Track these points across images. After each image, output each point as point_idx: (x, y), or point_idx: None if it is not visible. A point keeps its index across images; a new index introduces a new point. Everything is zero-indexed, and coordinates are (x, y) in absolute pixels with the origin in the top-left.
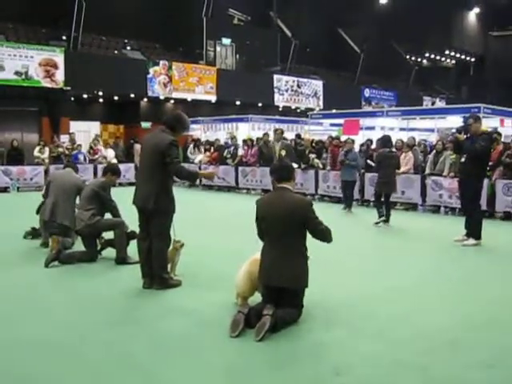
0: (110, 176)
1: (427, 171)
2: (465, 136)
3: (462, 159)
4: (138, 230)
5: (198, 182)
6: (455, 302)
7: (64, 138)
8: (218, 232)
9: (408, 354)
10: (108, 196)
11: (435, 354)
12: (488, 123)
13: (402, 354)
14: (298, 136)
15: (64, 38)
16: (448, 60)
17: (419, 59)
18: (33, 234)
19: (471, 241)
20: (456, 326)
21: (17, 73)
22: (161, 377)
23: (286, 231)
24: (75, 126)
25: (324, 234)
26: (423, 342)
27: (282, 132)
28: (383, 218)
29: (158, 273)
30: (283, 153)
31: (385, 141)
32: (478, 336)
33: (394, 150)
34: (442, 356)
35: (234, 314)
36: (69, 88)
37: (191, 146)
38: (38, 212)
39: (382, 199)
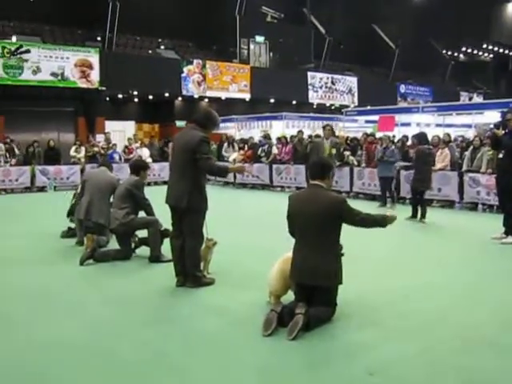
0: (142, 173)
1: (464, 168)
2: (503, 131)
3: (500, 155)
4: (171, 229)
5: (232, 179)
6: (492, 301)
7: (99, 138)
8: (251, 230)
9: (444, 354)
10: (142, 194)
11: (473, 355)
12: None
13: (438, 354)
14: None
15: (99, 38)
16: (486, 54)
17: (456, 54)
18: (69, 233)
19: (510, 238)
20: (494, 326)
21: (53, 74)
22: (195, 376)
23: (319, 229)
24: (110, 126)
25: (366, 222)
26: (460, 342)
27: (332, 129)
28: (418, 217)
29: (191, 271)
30: (334, 151)
31: (421, 137)
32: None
33: (430, 146)
34: (480, 357)
35: (266, 313)
36: (104, 88)
37: (225, 144)
38: (68, 215)
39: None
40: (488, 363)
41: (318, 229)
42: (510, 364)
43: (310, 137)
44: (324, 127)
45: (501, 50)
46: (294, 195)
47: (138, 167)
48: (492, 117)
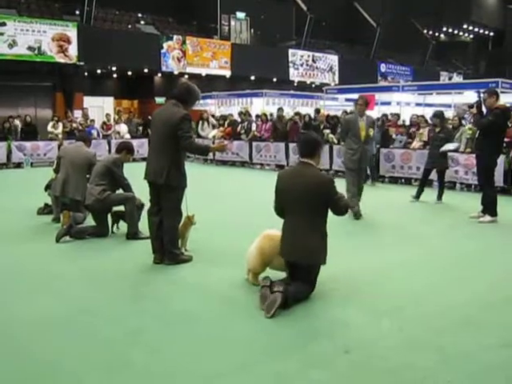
0: (125, 154)
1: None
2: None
3: (478, 134)
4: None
5: (211, 157)
6: (469, 280)
7: (77, 114)
8: (230, 207)
9: (422, 332)
10: (120, 173)
11: (450, 333)
12: (506, 98)
13: (416, 333)
14: (317, 111)
15: (77, 12)
16: (466, 34)
17: (437, 34)
18: (46, 210)
19: (487, 217)
20: (470, 303)
21: (30, 48)
22: (170, 353)
23: (306, 206)
24: (89, 102)
25: (342, 210)
26: (438, 321)
27: (366, 102)
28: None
29: (168, 248)
30: (371, 133)
31: (443, 117)
32: (493, 314)
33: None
34: (457, 335)
35: (260, 291)
36: (82, 63)
37: (200, 122)
38: (46, 189)
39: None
40: (466, 341)
41: (305, 207)
42: (487, 342)
43: (345, 113)
44: (357, 101)
45: (481, 31)
46: (283, 172)
47: (123, 146)
48: (471, 97)
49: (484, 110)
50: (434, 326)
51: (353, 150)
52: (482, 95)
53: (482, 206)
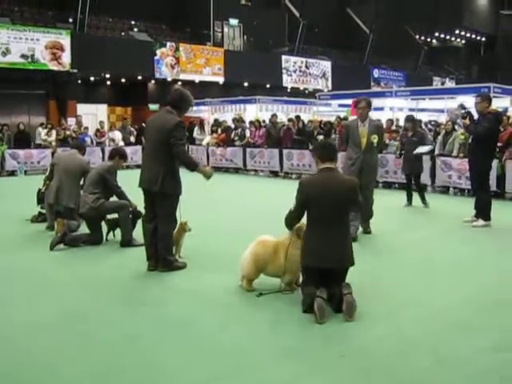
0: (117, 160)
1: (436, 152)
2: (467, 119)
3: (471, 140)
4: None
5: (205, 163)
6: (463, 283)
7: (71, 121)
8: (224, 214)
9: (417, 335)
10: (114, 181)
11: (445, 336)
12: (498, 103)
13: (411, 335)
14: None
15: (70, 20)
16: (458, 40)
17: (429, 39)
18: (40, 218)
19: (481, 222)
20: (465, 307)
21: (23, 56)
22: (164, 359)
23: (340, 212)
24: (82, 109)
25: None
26: (433, 323)
27: (369, 104)
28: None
29: (162, 255)
30: (375, 141)
31: (415, 121)
32: (487, 317)
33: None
34: (452, 337)
35: (315, 302)
36: (75, 70)
37: (197, 127)
38: (39, 202)
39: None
40: (461, 344)
41: (340, 211)
42: (482, 345)
43: (339, 118)
44: (356, 104)
45: (473, 36)
46: (308, 181)
47: (115, 152)
48: (464, 101)
49: (475, 115)
50: (429, 328)
51: (351, 159)
52: (465, 109)
53: (475, 211)
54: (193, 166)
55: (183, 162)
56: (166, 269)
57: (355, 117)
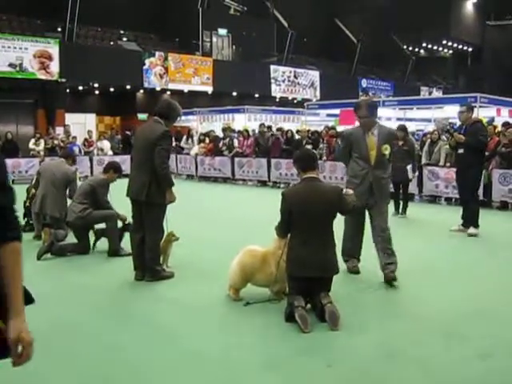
0: (112, 173)
1: (423, 161)
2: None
3: (460, 150)
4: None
5: (193, 173)
6: (450, 292)
7: (59, 130)
8: (212, 223)
9: (402, 344)
10: (105, 196)
11: (429, 345)
12: (485, 113)
13: (397, 345)
14: (267, 126)
15: (59, 29)
16: (445, 50)
17: (416, 49)
18: (27, 227)
19: (473, 229)
20: (451, 316)
21: (11, 65)
22: (150, 370)
23: (325, 222)
24: (71, 118)
25: (353, 209)
26: (417, 332)
27: (372, 106)
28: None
29: (149, 265)
30: (387, 152)
31: (406, 129)
32: (472, 326)
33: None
34: (436, 346)
35: (297, 312)
36: (64, 80)
37: (185, 136)
38: (25, 217)
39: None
40: (445, 353)
41: (323, 222)
42: (466, 353)
43: (327, 128)
44: (356, 110)
45: (460, 47)
46: (291, 192)
47: (110, 166)
48: (451, 111)
49: (457, 123)
50: (415, 337)
51: (357, 177)
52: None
53: (462, 220)
54: (167, 184)
55: (160, 175)
56: (154, 278)
57: (342, 126)
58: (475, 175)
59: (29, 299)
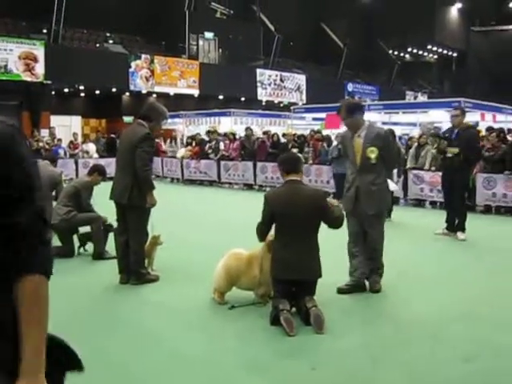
0: (96, 176)
1: (408, 165)
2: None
3: (449, 154)
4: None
5: (179, 176)
6: (433, 296)
7: (44, 133)
8: (197, 227)
9: (387, 347)
10: (88, 198)
11: (414, 347)
12: (469, 118)
13: (380, 347)
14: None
15: (45, 31)
16: (430, 55)
17: (402, 54)
18: None
19: (462, 235)
20: (434, 319)
21: None
22: (132, 372)
23: (308, 225)
24: (56, 121)
25: (337, 221)
26: (402, 335)
27: (355, 107)
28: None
29: (134, 268)
30: (373, 155)
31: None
32: (455, 330)
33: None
34: (420, 349)
35: (282, 315)
36: (49, 82)
37: (168, 140)
38: None
39: None
40: (429, 356)
41: (306, 225)
42: (450, 356)
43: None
44: (337, 111)
45: (444, 52)
46: (273, 194)
47: (95, 168)
48: (436, 116)
49: (443, 127)
50: (399, 340)
51: (348, 182)
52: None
53: (446, 223)
54: (147, 187)
55: (141, 177)
56: (138, 282)
57: (328, 130)
58: (464, 179)
59: (73, 363)
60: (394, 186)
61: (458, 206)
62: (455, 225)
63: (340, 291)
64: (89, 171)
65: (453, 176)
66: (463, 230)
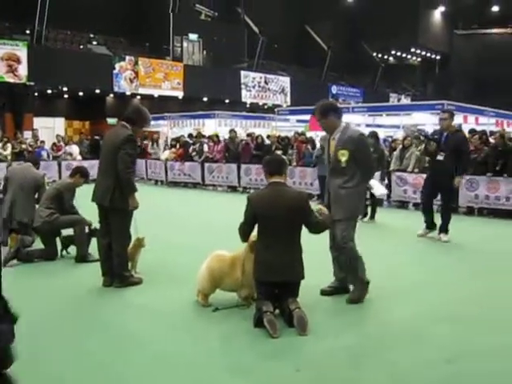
0: (78, 178)
1: (392, 167)
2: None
3: (440, 157)
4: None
5: (163, 178)
6: (418, 298)
7: (27, 135)
8: (181, 229)
9: (370, 348)
10: (70, 200)
11: (397, 349)
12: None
13: (364, 348)
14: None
15: (28, 32)
16: (414, 58)
17: (386, 57)
18: None
19: (444, 236)
20: (418, 320)
21: None
22: (116, 375)
23: (290, 227)
24: (39, 122)
25: (318, 226)
26: (385, 336)
27: (331, 109)
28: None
29: (117, 271)
30: (343, 159)
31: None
32: (438, 331)
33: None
34: (404, 350)
35: (265, 317)
36: (32, 83)
37: (150, 142)
38: None
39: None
40: (413, 356)
41: (288, 226)
42: (433, 356)
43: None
44: (314, 112)
45: (428, 54)
46: (256, 196)
47: (77, 170)
48: (419, 118)
49: (427, 130)
50: (383, 341)
51: (327, 185)
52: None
53: (425, 223)
54: (129, 190)
55: (123, 179)
56: (122, 285)
57: (312, 132)
58: (452, 182)
59: None
60: (381, 190)
61: (444, 207)
62: (440, 226)
63: (323, 293)
64: (71, 173)
65: (441, 178)
66: (446, 231)
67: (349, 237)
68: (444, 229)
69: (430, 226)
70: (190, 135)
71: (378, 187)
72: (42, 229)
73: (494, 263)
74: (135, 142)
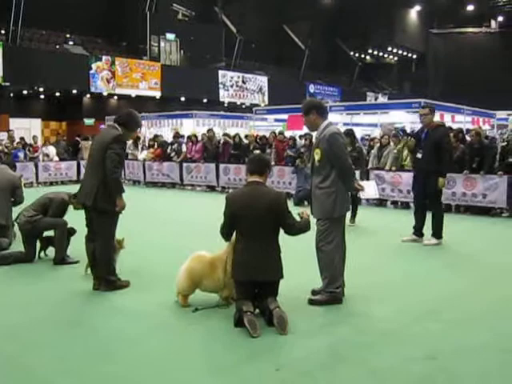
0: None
1: (370, 165)
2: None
3: (419, 155)
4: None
5: (141, 178)
6: (398, 296)
7: (2, 136)
8: (161, 229)
9: (349, 347)
10: (59, 213)
11: (376, 347)
12: None
13: (343, 347)
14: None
15: (3, 31)
16: (391, 57)
17: (363, 56)
18: None
19: (433, 240)
20: (396, 318)
21: None
22: (98, 378)
23: (267, 226)
24: (15, 123)
25: (295, 228)
26: (364, 335)
27: (317, 107)
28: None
29: (102, 275)
30: (316, 157)
31: (354, 135)
32: (417, 328)
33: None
34: (383, 348)
35: (245, 317)
36: (7, 83)
37: (130, 142)
38: None
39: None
40: (392, 354)
41: (266, 226)
42: (412, 354)
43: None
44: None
45: (404, 54)
46: (234, 195)
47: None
48: (396, 116)
49: (407, 127)
50: (361, 340)
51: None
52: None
53: (413, 229)
54: (117, 190)
55: (111, 180)
56: (107, 289)
57: (290, 131)
58: (437, 185)
59: None
60: (373, 191)
61: (433, 210)
62: (433, 230)
63: (314, 293)
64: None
65: (424, 178)
66: (439, 236)
67: (326, 239)
68: (437, 232)
69: (417, 233)
70: (156, 137)
71: (370, 186)
72: (22, 228)
73: (474, 261)
74: (124, 143)
